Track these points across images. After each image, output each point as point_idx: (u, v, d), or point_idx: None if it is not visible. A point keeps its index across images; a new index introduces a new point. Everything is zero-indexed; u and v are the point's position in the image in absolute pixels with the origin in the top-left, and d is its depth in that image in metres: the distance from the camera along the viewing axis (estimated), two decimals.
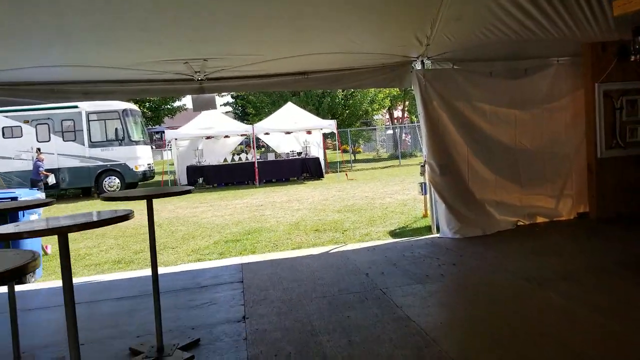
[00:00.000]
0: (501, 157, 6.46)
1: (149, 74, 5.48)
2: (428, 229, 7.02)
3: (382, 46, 5.59)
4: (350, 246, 6.22)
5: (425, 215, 8.11)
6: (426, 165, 6.34)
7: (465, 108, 6.24)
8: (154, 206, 3.28)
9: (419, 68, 6.04)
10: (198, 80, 5.70)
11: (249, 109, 31.03)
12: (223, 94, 32.85)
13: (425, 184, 7.56)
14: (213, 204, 12.43)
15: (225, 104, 34.60)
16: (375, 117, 33.19)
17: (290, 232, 7.73)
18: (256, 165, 16.54)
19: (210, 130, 16.07)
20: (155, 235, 3.32)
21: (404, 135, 28.83)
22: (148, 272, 4.48)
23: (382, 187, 13.38)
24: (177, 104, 23.38)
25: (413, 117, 32.45)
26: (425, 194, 7.59)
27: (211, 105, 6.02)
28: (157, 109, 22.27)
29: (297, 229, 7.98)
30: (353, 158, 31.03)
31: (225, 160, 17.82)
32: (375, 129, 32.43)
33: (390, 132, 33.52)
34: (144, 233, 8.46)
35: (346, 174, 17.23)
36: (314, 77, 6.05)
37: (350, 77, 6.16)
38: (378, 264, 5.15)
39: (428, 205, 8.16)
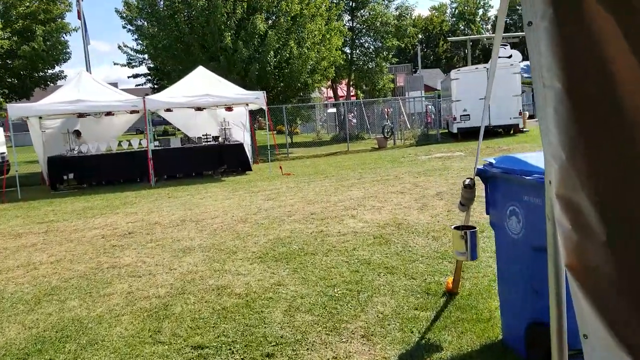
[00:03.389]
0: None
1: None
2: None
3: None
4: None
5: (450, 290, 3.72)
6: (553, 201, 1.87)
7: None
8: None
9: None
10: None
11: (165, 82, 25.19)
12: (131, 61, 26.24)
13: (472, 233, 3.14)
14: (55, 227, 7.35)
15: (134, 76, 28.17)
16: (312, 94, 28.64)
17: (136, 356, 3.06)
18: (150, 155, 11.42)
19: (78, 104, 10.65)
20: None
21: (350, 115, 24.55)
22: None
23: (335, 191, 8.93)
24: (55, 69, 17.06)
25: (359, 92, 28.27)
26: (475, 258, 3.17)
27: None
28: (23, 77, 15.88)
29: (155, 337, 3.32)
30: (290, 141, 26.45)
31: (109, 148, 12.49)
32: (314, 107, 27.89)
33: (332, 110, 29.15)
34: None
35: (280, 167, 12.61)
36: None
37: None
38: None
39: (476, 280, 3.82)
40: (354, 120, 26.61)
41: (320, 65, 18.37)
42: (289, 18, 16.90)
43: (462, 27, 73.70)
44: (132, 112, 12.26)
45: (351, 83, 26.93)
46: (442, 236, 5.41)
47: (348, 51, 25.69)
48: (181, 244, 5.79)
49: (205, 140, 12.81)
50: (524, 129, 18.80)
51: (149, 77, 30.89)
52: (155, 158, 11.77)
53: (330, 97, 33.56)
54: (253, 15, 16.20)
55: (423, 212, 6.62)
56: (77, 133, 12.30)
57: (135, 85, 28.73)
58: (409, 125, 22.10)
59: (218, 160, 12.61)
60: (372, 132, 24.65)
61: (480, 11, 77.43)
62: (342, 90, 31.56)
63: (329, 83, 27.41)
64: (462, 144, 16.16)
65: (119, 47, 21.84)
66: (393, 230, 5.77)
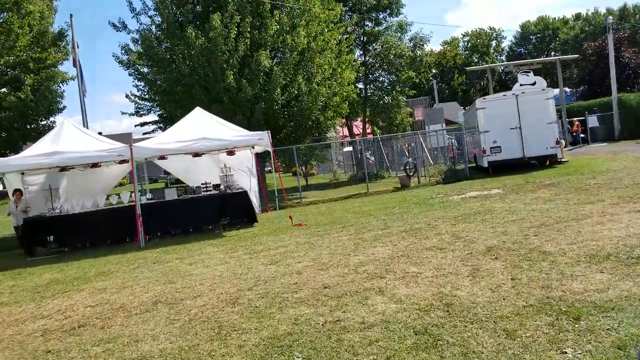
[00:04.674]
0: None
1: None
2: None
3: None
4: None
5: None
6: None
7: None
8: None
9: None
10: None
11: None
12: (139, 110, 25.08)
13: None
14: None
15: (142, 124, 27.21)
16: (328, 134, 27.23)
17: None
18: (139, 211, 9.86)
19: (53, 157, 9.25)
20: None
21: (367, 152, 22.94)
22: None
23: (355, 248, 7.11)
24: (49, 120, 15.86)
25: (375, 128, 26.78)
26: None
27: None
28: (10, 129, 14.60)
29: None
30: (305, 184, 24.87)
31: (96, 204, 11.02)
32: (329, 146, 26.45)
33: (348, 149, 27.65)
34: None
35: (290, 217, 10.88)
36: None
37: None
38: None
39: None
40: (372, 158, 25.00)
41: (332, 101, 16.94)
42: (295, 53, 15.68)
43: (476, 60, 72.81)
44: (122, 162, 10.84)
45: (367, 119, 25.47)
46: (518, 328, 3.55)
47: (361, 87, 24.43)
48: (137, 350, 4.04)
49: (205, 189, 11.27)
50: (563, 160, 16.77)
51: (160, 125, 29.94)
52: (148, 213, 10.24)
53: (345, 136, 32.19)
54: (257, 52, 15.03)
55: (477, 281, 4.78)
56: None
57: (143, 134, 27.74)
58: (431, 161, 20.33)
59: (219, 212, 11.00)
60: (392, 170, 22.94)
61: (494, 43, 76.80)
62: (357, 128, 30.17)
63: (343, 121, 26.05)
64: (497, 180, 14.22)
65: (127, 95, 20.95)
66: (441, 318, 3.93)
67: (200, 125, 10.89)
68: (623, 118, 26.65)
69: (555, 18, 72.03)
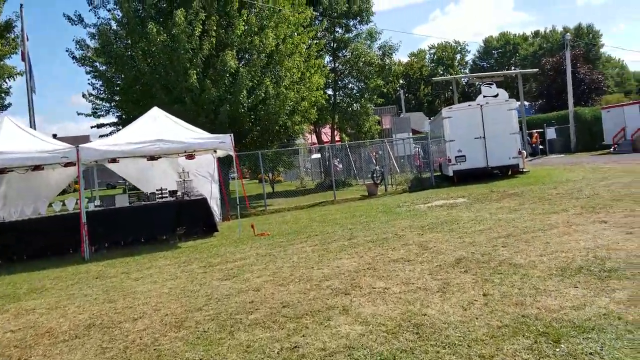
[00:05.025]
0: None
1: None
2: None
3: None
4: None
5: None
6: None
7: None
8: None
9: None
10: None
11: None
12: (97, 110, 23.51)
13: None
14: None
15: (98, 126, 25.69)
16: (297, 141, 26.70)
17: None
18: (84, 219, 8.97)
19: None
20: None
21: (335, 160, 22.54)
22: None
23: (319, 260, 6.57)
24: None
25: (344, 135, 26.46)
26: None
27: None
28: None
29: None
30: (271, 191, 24.24)
31: (37, 212, 10.02)
32: (297, 152, 25.92)
33: (316, 155, 27.19)
34: None
35: (252, 226, 10.23)
36: None
37: None
38: None
39: None
40: (340, 166, 24.64)
41: (301, 106, 16.43)
42: (263, 55, 15.12)
43: (441, 72, 74.26)
44: (69, 165, 9.89)
45: (335, 126, 25.12)
46: (494, 353, 3.16)
47: (330, 93, 24.08)
48: None
49: (160, 196, 10.47)
50: (524, 170, 16.88)
51: (119, 127, 28.29)
52: (95, 222, 9.35)
53: (314, 143, 31.75)
54: (223, 52, 14.37)
55: (447, 297, 4.37)
56: None
57: (100, 137, 26.15)
58: (398, 169, 20.13)
59: (175, 221, 10.22)
60: (359, 178, 22.63)
61: (458, 56, 78.67)
62: (326, 135, 29.82)
63: (312, 127, 25.60)
64: (462, 189, 14.08)
65: (83, 95, 19.60)
66: (410, 341, 3.47)
67: (157, 125, 10.12)
68: (579, 131, 27.55)
69: (515, 34, 74.65)
